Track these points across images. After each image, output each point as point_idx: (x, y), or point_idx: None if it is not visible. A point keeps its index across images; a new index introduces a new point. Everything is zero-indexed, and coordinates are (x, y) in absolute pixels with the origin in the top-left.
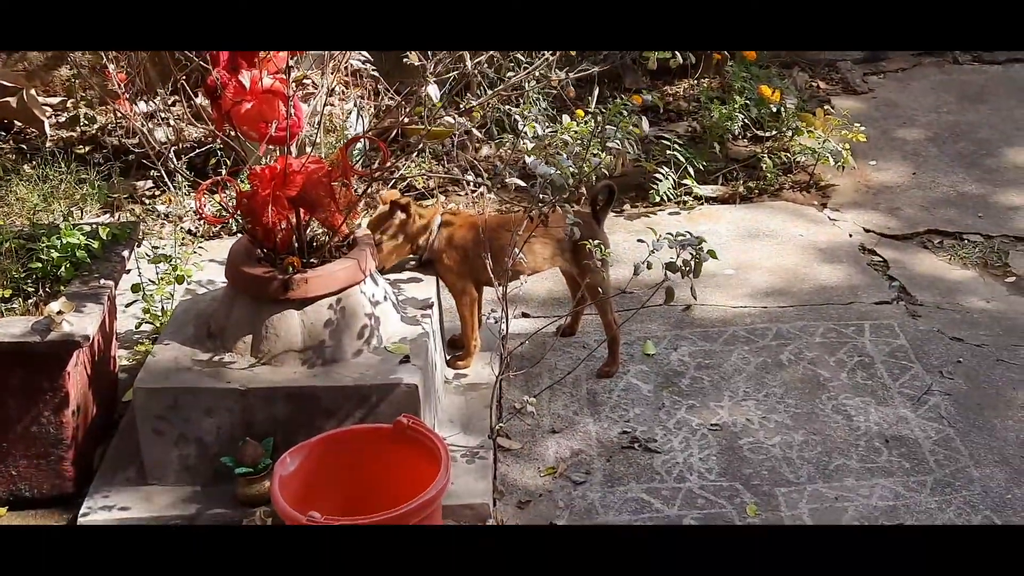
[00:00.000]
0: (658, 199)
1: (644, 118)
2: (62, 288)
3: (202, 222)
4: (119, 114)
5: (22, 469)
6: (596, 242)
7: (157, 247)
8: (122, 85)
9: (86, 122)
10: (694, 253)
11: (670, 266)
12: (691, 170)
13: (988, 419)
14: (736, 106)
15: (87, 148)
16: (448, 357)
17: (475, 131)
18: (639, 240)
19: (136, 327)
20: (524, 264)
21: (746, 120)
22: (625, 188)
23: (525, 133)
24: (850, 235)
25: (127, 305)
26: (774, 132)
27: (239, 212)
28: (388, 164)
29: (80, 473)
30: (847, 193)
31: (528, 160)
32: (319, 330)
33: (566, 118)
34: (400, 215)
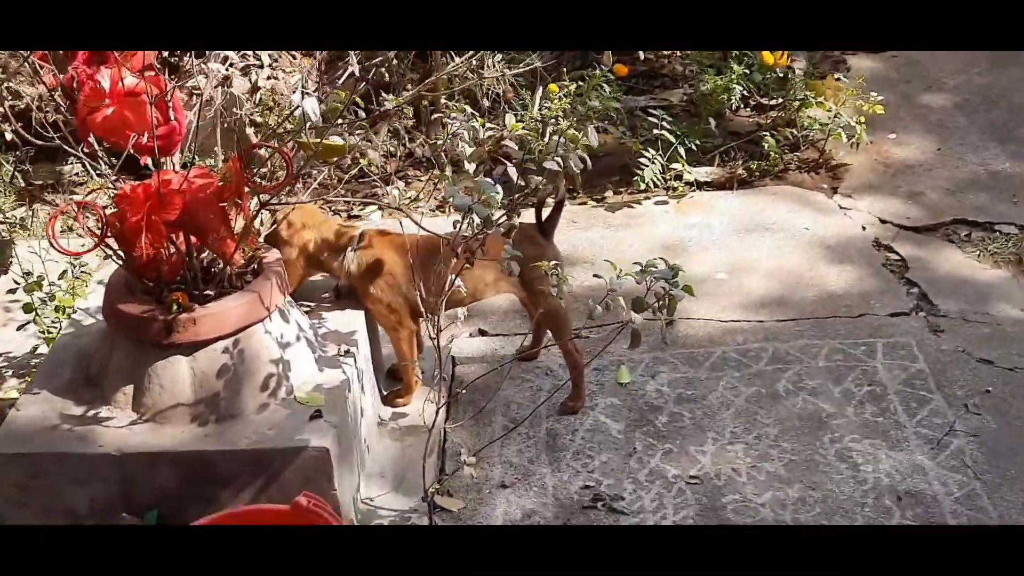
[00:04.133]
0: (643, 186)
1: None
2: None
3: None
4: None
5: None
6: (553, 264)
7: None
8: None
9: None
10: (667, 288)
11: (636, 305)
12: (682, 150)
13: (1022, 468)
14: (734, 76)
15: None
16: (385, 392)
17: (371, 152)
18: (595, 275)
19: (32, 351)
20: (462, 293)
21: (747, 88)
22: (607, 171)
23: (461, 133)
24: (863, 227)
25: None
26: (780, 99)
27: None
28: (290, 176)
29: None
30: (862, 174)
31: (447, 193)
32: (212, 380)
33: (509, 117)
34: (283, 227)
